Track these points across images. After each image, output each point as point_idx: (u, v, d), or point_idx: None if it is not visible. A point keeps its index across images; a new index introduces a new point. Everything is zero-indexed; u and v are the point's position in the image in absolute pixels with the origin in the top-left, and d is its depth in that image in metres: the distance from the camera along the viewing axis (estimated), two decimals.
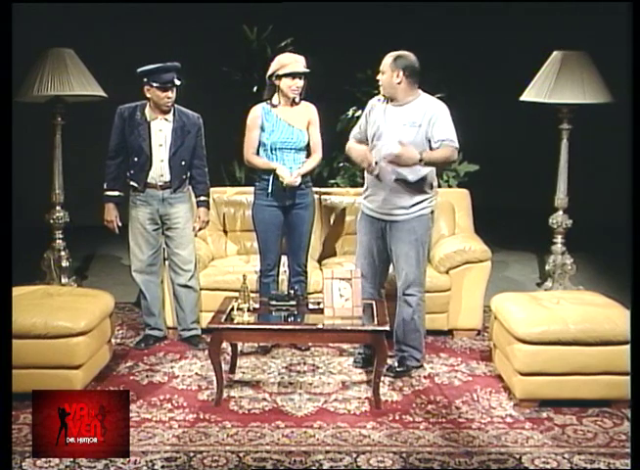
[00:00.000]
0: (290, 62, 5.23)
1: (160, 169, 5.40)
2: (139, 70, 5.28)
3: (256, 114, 5.34)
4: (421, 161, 4.74)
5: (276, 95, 5.30)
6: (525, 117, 7.41)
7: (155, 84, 5.24)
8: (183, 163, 5.43)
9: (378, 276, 5.13)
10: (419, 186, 4.92)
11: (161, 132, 5.38)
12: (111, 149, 5.44)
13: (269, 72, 5.27)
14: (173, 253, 5.52)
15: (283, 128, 5.29)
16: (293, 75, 5.20)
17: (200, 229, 5.60)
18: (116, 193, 5.47)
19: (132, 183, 5.43)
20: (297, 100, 5.32)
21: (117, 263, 7.55)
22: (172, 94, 5.31)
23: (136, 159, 5.38)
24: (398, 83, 4.89)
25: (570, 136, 6.64)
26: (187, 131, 5.41)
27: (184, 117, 5.42)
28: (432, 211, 5.01)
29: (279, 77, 5.22)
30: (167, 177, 5.41)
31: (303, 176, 5.34)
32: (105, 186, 5.46)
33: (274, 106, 5.31)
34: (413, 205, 4.93)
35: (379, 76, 4.99)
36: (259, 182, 5.39)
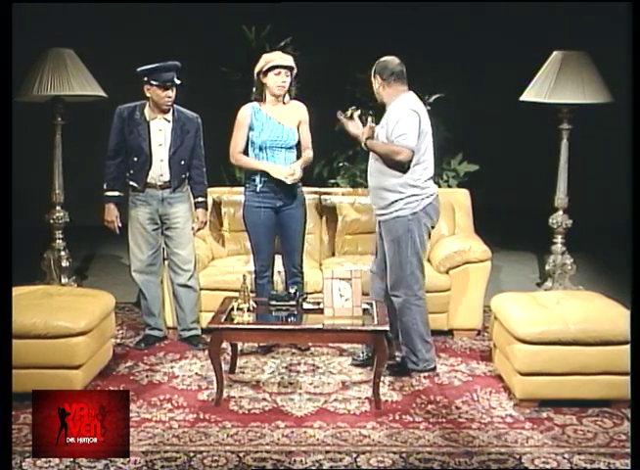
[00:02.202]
0: (274, 58, 5.23)
1: (159, 169, 5.40)
2: (139, 69, 5.28)
3: (245, 113, 5.30)
4: (365, 145, 4.93)
5: (264, 93, 5.27)
6: (525, 117, 7.41)
7: (155, 83, 5.24)
8: (182, 162, 5.43)
9: (386, 277, 5.13)
10: (392, 186, 4.92)
11: (161, 132, 5.38)
12: (110, 149, 5.44)
13: (256, 71, 5.25)
14: (173, 252, 5.52)
15: (273, 127, 5.25)
16: (277, 70, 5.16)
17: (198, 229, 5.60)
18: (117, 193, 5.47)
19: (132, 183, 5.43)
20: (285, 99, 5.29)
21: (117, 263, 7.55)
22: (172, 93, 5.30)
23: (136, 158, 5.38)
24: (380, 88, 5.00)
25: (570, 136, 6.64)
26: (186, 131, 5.41)
27: (183, 117, 5.42)
28: (412, 213, 4.93)
29: (265, 74, 5.21)
30: (167, 177, 5.41)
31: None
32: (105, 186, 5.46)
33: (263, 104, 5.28)
34: (388, 205, 4.96)
35: None
36: (249, 183, 5.36)
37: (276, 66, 5.16)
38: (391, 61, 4.99)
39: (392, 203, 4.94)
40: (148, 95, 5.31)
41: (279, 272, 5.56)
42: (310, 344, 5.44)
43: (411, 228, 4.96)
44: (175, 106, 5.40)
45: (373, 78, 5.01)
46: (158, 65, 5.26)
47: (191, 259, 5.55)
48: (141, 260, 5.49)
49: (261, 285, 5.40)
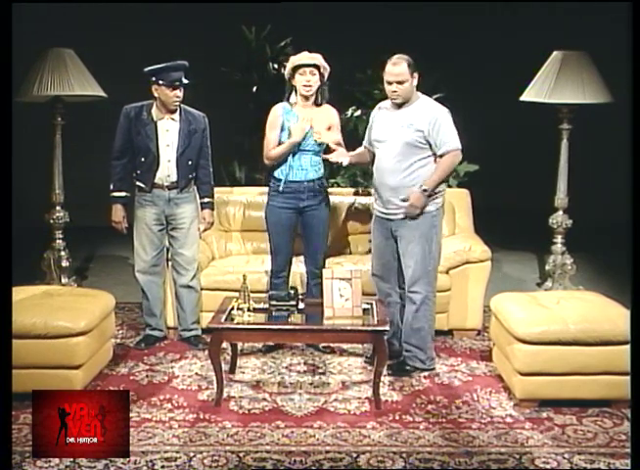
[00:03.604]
0: (299, 57, 5.18)
1: (167, 170, 5.38)
2: (147, 68, 5.25)
3: (277, 113, 5.25)
4: (425, 191, 4.89)
5: (293, 94, 5.23)
6: (525, 117, 7.41)
7: (163, 83, 5.22)
8: (190, 162, 5.41)
9: (394, 276, 5.14)
10: (419, 185, 4.93)
11: (169, 132, 5.36)
12: (116, 149, 5.41)
13: (285, 74, 5.24)
14: (177, 253, 5.50)
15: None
16: (302, 70, 5.12)
17: (204, 230, 5.60)
18: (123, 194, 5.45)
19: (139, 183, 5.41)
20: (317, 100, 5.22)
21: (117, 264, 7.55)
22: (180, 93, 5.28)
23: (143, 159, 5.35)
24: (416, 87, 4.97)
25: (570, 136, 6.64)
26: (194, 131, 5.40)
27: (190, 117, 5.41)
28: (437, 209, 5.00)
29: (292, 76, 5.17)
30: (174, 177, 5.39)
31: (318, 178, 5.29)
32: (111, 187, 5.43)
33: (295, 105, 5.23)
34: None
35: (395, 87, 4.89)
36: (273, 182, 5.33)
37: (300, 65, 5.12)
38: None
39: None
40: (155, 95, 5.29)
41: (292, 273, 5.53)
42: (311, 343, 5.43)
43: (436, 224, 5.01)
44: (182, 106, 5.38)
45: (412, 77, 4.88)
46: (165, 64, 5.24)
47: (195, 259, 5.55)
48: (145, 261, 5.48)
49: (277, 284, 5.36)
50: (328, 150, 5.30)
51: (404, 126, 4.93)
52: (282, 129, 5.23)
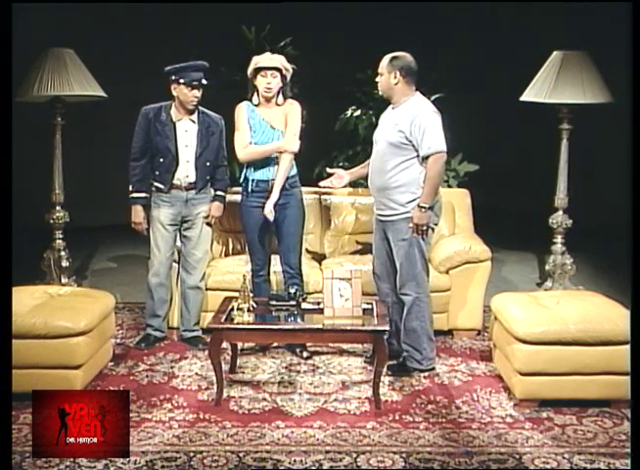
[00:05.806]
0: (261, 59, 5.18)
1: (185, 170, 5.38)
2: (168, 67, 5.27)
3: (242, 110, 5.26)
4: (423, 207, 4.84)
5: (255, 95, 5.25)
6: (525, 117, 7.41)
7: (182, 82, 5.23)
8: (208, 163, 5.42)
9: (393, 275, 5.13)
10: (405, 187, 4.92)
11: (187, 133, 5.37)
12: (135, 150, 5.40)
13: (248, 72, 5.23)
14: (189, 253, 5.50)
15: (265, 130, 5.21)
16: (263, 72, 5.13)
17: (207, 223, 5.59)
18: (143, 194, 5.44)
19: (157, 184, 5.40)
20: (279, 100, 5.22)
21: (118, 263, 7.54)
22: (199, 93, 5.30)
23: (162, 159, 5.36)
24: (396, 84, 4.94)
25: (570, 136, 6.64)
26: (211, 132, 5.41)
27: (208, 119, 5.42)
28: None
29: (254, 76, 5.18)
30: (192, 178, 5.40)
31: (288, 177, 5.24)
32: (130, 188, 5.42)
33: (256, 105, 5.25)
34: (400, 205, 4.94)
35: (377, 78, 5.02)
36: (243, 183, 5.34)
37: (261, 68, 5.13)
38: (410, 58, 4.95)
39: (406, 203, 4.92)
40: (174, 94, 5.31)
41: (275, 272, 5.54)
42: (309, 347, 5.43)
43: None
44: (200, 107, 5.40)
45: (388, 73, 4.91)
46: (187, 64, 5.28)
47: (205, 259, 5.57)
48: (159, 262, 5.48)
49: (257, 284, 5.39)
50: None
51: (390, 126, 4.94)
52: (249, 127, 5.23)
